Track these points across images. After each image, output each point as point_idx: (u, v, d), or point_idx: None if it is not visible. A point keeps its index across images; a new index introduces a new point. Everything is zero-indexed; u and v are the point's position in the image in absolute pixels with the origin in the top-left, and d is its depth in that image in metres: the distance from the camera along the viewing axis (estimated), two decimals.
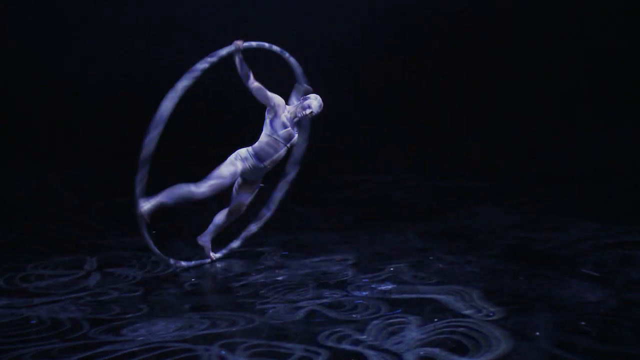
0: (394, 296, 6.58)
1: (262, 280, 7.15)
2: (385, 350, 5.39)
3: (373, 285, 6.87)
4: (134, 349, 5.49)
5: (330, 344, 5.53)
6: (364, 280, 7.02)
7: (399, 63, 11.95)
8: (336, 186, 10.59)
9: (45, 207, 9.93)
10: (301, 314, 6.19)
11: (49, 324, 6.01)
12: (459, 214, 9.59)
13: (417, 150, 11.67)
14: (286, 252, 8.06)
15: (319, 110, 7.28)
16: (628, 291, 6.49)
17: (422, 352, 5.34)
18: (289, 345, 5.51)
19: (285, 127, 7.17)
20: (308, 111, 7.21)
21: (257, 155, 7.23)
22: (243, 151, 7.26)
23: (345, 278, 7.14)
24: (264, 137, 7.24)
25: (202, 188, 7.09)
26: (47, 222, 9.34)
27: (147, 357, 5.36)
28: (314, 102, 7.25)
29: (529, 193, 10.38)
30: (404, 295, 6.59)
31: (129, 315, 6.19)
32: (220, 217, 7.59)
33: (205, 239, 7.61)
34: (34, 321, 6.09)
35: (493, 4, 11.75)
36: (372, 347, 5.46)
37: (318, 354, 5.37)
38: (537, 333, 5.61)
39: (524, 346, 5.37)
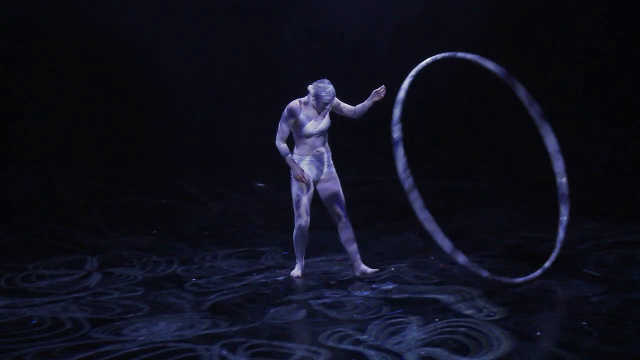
0: (395, 296, 6.58)
1: (262, 280, 7.15)
2: (386, 351, 5.39)
3: (374, 285, 6.88)
4: (135, 349, 5.48)
5: (331, 343, 5.53)
6: (364, 280, 7.02)
7: (399, 63, 11.94)
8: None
9: (46, 207, 9.93)
10: (302, 314, 6.19)
11: (50, 324, 6.01)
12: (459, 214, 9.59)
13: (418, 150, 11.66)
14: (286, 252, 8.06)
15: (324, 94, 6.80)
16: (630, 291, 6.49)
17: (423, 352, 5.34)
18: (289, 345, 5.51)
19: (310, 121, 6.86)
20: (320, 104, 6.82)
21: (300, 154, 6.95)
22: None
23: (346, 278, 7.14)
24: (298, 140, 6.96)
25: (298, 219, 6.94)
26: (48, 222, 9.34)
27: (148, 357, 5.35)
28: (321, 93, 6.81)
29: (530, 193, 10.37)
30: (405, 295, 6.59)
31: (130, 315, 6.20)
32: (346, 240, 7.08)
33: (361, 268, 7.09)
34: (35, 321, 6.08)
35: (496, 3, 11.74)
36: (372, 347, 5.45)
37: (319, 354, 5.36)
38: (538, 333, 5.61)
39: (525, 346, 5.37)
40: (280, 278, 7.17)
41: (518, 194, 10.46)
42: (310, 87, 6.90)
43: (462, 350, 5.35)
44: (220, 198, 10.51)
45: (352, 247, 7.06)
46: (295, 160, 6.95)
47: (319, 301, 6.48)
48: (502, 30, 11.79)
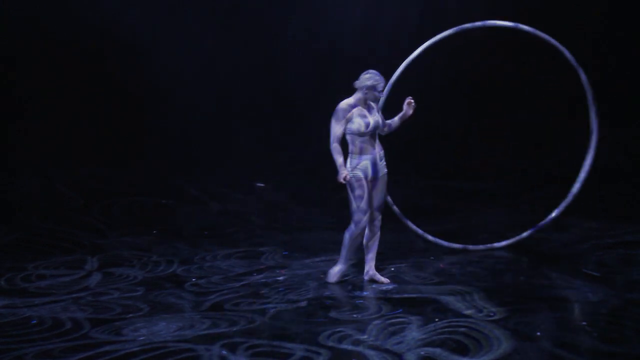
0: (394, 296, 6.58)
1: (262, 280, 7.15)
2: (386, 351, 5.39)
3: (374, 285, 6.88)
4: (135, 349, 5.49)
5: (331, 344, 5.53)
6: (364, 280, 7.02)
7: (400, 62, 11.95)
8: (336, 186, 10.57)
9: (46, 207, 9.94)
10: (302, 314, 6.20)
11: (50, 324, 6.01)
12: (459, 214, 9.59)
13: (418, 151, 11.66)
14: (286, 252, 8.06)
15: (375, 82, 6.73)
16: (630, 291, 6.49)
17: (422, 352, 5.34)
18: (290, 345, 5.51)
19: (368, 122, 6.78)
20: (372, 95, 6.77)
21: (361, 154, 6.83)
22: (353, 163, 6.84)
23: (346, 278, 7.14)
24: (354, 140, 6.82)
25: (360, 221, 6.83)
26: (48, 222, 9.34)
27: (148, 357, 5.36)
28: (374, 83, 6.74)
29: (530, 193, 10.38)
30: (405, 295, 6.59)
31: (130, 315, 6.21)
32: (368, 242, 7.03)
33: (370, 273, 7.02)
34: (35, 321, 6.09)
35: (496, 3, 11.73)
36: (372, 347, 5.45)
37: (319, 354, 5.36)
38: (538, 333, 5.61)
39: (525, 346, 5.37)
40: (280, 278, 7.17)
41: (518, 194, 10.46)
42: (360, 82, 6.76)
43: (462, 350, 5.35)
44: (220, 198, 10.51)
45: (372, 252, 7.00)
46: (355, 161, 6.81)
47: (320, 301, 6.48)
48: (502, 30, 11.78)
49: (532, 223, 9.00)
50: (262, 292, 6.78)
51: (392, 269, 7.30)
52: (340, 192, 10.48)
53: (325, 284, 6.95)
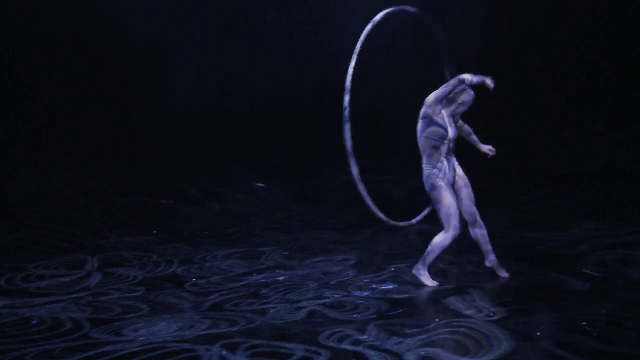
0: (395, 296, 6.58)
1: (262, 280, 7.15)
2: (386, 351, 5.39)
3: (374, 285, 6.88)
4: (135, 349, 5.49)
5: (331, 344, 5.53)
6: (364, 280, 7.02)
7: (400, 62, 11.94)
8: (336, 186, 10.60)
9: (46, 207, 9.93)
10: (302, 314, 6.19)
11: (50, 324, 6.01)
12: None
13: (417, 151, 11.66)
14: (286, 252, 8.06)
15: (470, 97, 6.89)
16: (629, 291, 6.49)
17: (423, 352, 5.34)
18: (290, 345, 5.51)
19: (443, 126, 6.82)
20: (462, 109, 6.92)
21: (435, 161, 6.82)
22: (428, 173, 6.80)
23: (346, 278, 7.14)
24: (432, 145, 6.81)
25: (449, 230, 6.73)
26: (48, 222, 9.34)
27: (148, 357, 5.35)
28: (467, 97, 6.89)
29: (530, 193, 10.38)
30: (405, 295, 6.59)
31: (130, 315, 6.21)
32: (480, 238, 7.00)
33: (495, 265, 7.06)
34: (35, 321, 6.09)
35: (496, 4, 11.74)
36: (372, 347, 5.45)
37: (319, 354, 5.36)
38: (538, 333, 5.61)
39: (525, 346, 5.37)
40: (280, 278, 7.17)
41: (519, 194, 10.46)
42: (453, 95, 6.83)
43: (462, 350, 5.35)
44: (220, 198, 10.51)
45: (488, 246, 6.96)
46: (433, 169, 6.77)
47: (319, 301, 6.48)
48: (503, 31, 11.79)
49: (532, 223, 9.02)
50: (262, 292, 6.78)
51: (392, 269, 7.30)
52: (340, 192, 10.51)
53: (325, 284, 6.95)
